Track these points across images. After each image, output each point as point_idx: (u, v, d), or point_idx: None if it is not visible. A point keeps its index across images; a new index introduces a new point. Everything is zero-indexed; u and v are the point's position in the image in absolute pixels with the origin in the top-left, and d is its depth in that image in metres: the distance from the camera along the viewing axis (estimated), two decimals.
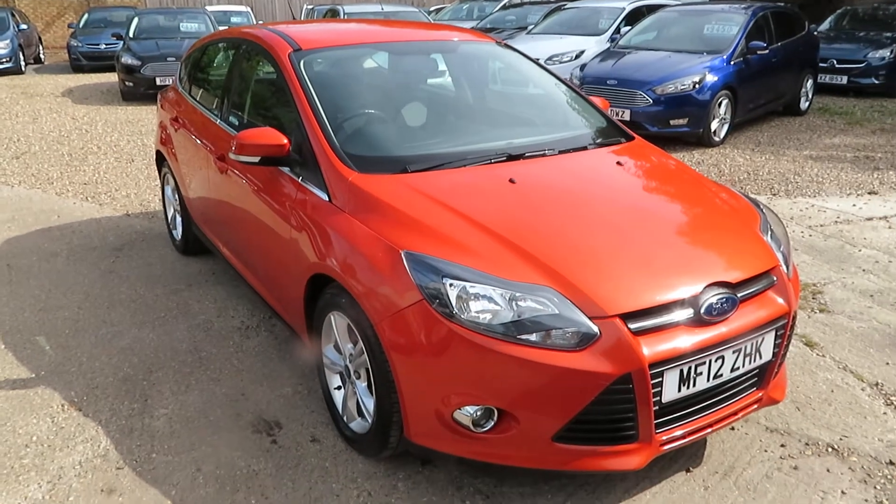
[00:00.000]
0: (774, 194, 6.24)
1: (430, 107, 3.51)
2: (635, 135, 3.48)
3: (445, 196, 2.65)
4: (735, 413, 2.49)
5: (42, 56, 18.67)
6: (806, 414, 2.98)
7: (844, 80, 11.40)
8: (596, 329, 2.18)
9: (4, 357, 3.49)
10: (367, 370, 2.55)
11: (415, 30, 4.27)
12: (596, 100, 3.74)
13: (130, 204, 6.07)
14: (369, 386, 2.58)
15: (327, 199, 2.77)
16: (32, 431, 2.90)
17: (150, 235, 5.26)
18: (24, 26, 16.86)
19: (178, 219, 4.78)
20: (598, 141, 3.32)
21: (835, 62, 11.41)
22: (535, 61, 3.99)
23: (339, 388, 2.85)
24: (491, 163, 2.93)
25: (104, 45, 15.58)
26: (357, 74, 3.68)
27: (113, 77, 13.68)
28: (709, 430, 2.43)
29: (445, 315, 2.22)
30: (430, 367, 2.29)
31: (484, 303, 2.23)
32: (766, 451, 2.75)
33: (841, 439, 2.82)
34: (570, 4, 12.63)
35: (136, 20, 13.23)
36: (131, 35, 12.75)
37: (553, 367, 2.15)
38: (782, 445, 2.78)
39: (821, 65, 10.76)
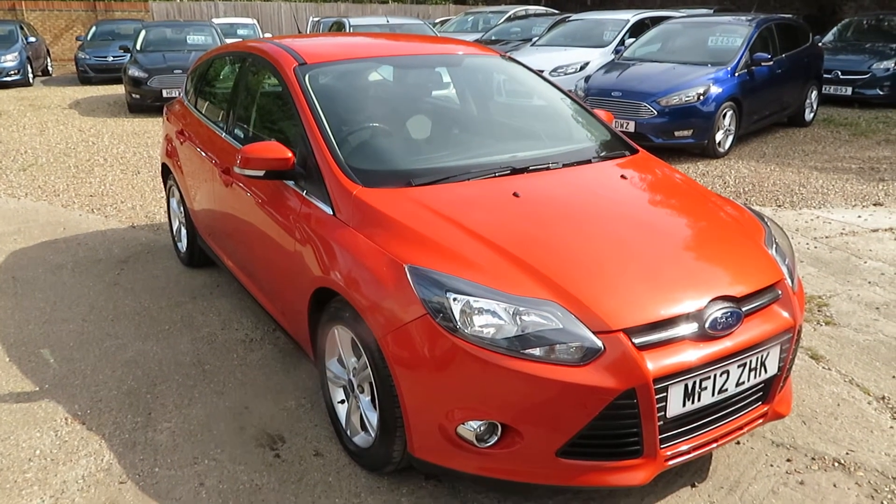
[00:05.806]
0: (779, 206, 6.23)
1: (435, 120, 3.52)
2: (640, 148, 3.49)
3: (449, 210, 2.65)
4: (740, 428, 2.48)
5: (50, 68, 18.83)
6: (812, 428, 2.96)
7: (849, 91, 11.43)
8: (600, 344, 2.17)
9: (9, 370, 3.49)
10: (371, 384, 2.54)
11: (419, 43, 4.29)
12: (600, 112, 3.75)
13: (136, 216, 6.10)
14: (373, 400, 2.58)
15: (331, 212, 2.78)
16: (36, 445, 2.90)
17: (155, 248, 5.28)
18: (32, 39, 17.00)
19: (183, 231, 4.79)
20: (603, 154, 3.33)
21: (839, 73, 11.44)
22: (540, 74, 4.00)
23: (342, 401, 2.85)
24: (495, 176, 2.93)
25: (111, 58, 15.73)
26: (362, 88, 3.69)
27: (120, 89, 13.76)
28: (714, 444, 2.42)
29: (449, 329, 2.22)
30: (433, 381, 2.28)
31: (487, 317, 2.22)
32: (771, 465, 2.73)
33: (847, 454, 2.80)
34: (574, 16, 12.69)
35: (143, 33, 13.34)
36: (138, 48, 12.86)
37: (557, 381, 2.14)
38: (788, 460, 2.76)
39: (825, 76, 10.79)
